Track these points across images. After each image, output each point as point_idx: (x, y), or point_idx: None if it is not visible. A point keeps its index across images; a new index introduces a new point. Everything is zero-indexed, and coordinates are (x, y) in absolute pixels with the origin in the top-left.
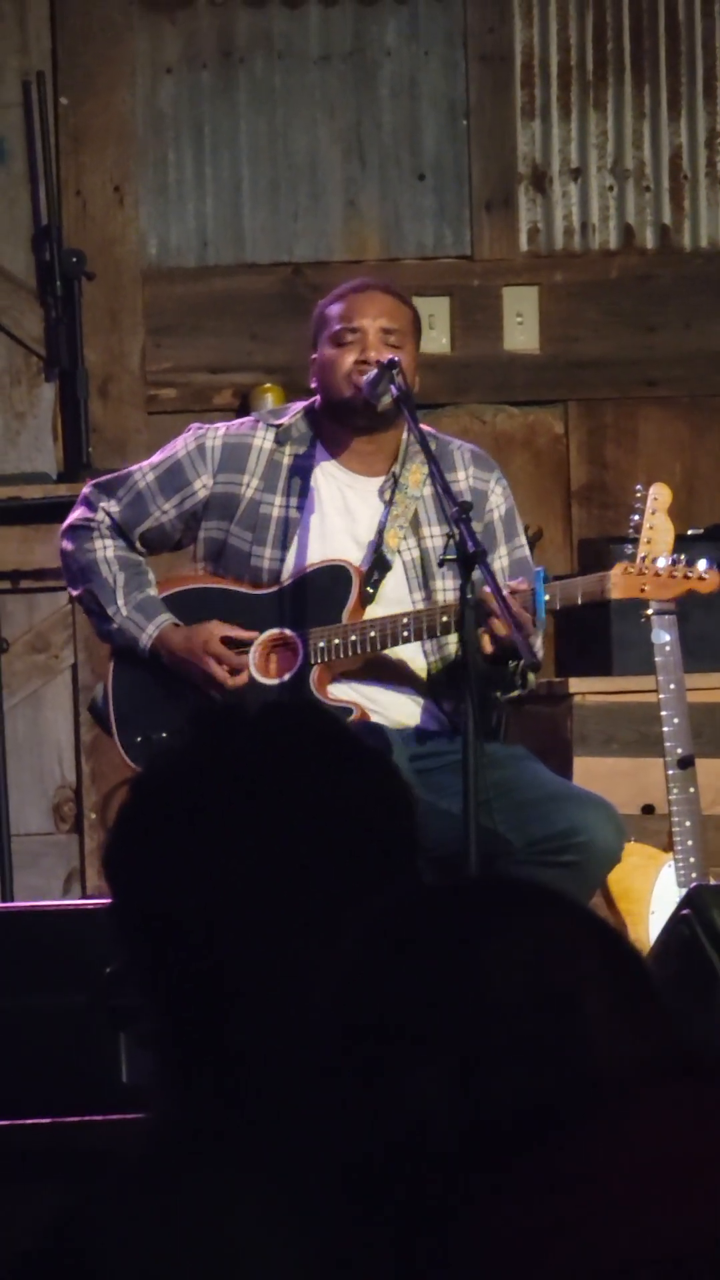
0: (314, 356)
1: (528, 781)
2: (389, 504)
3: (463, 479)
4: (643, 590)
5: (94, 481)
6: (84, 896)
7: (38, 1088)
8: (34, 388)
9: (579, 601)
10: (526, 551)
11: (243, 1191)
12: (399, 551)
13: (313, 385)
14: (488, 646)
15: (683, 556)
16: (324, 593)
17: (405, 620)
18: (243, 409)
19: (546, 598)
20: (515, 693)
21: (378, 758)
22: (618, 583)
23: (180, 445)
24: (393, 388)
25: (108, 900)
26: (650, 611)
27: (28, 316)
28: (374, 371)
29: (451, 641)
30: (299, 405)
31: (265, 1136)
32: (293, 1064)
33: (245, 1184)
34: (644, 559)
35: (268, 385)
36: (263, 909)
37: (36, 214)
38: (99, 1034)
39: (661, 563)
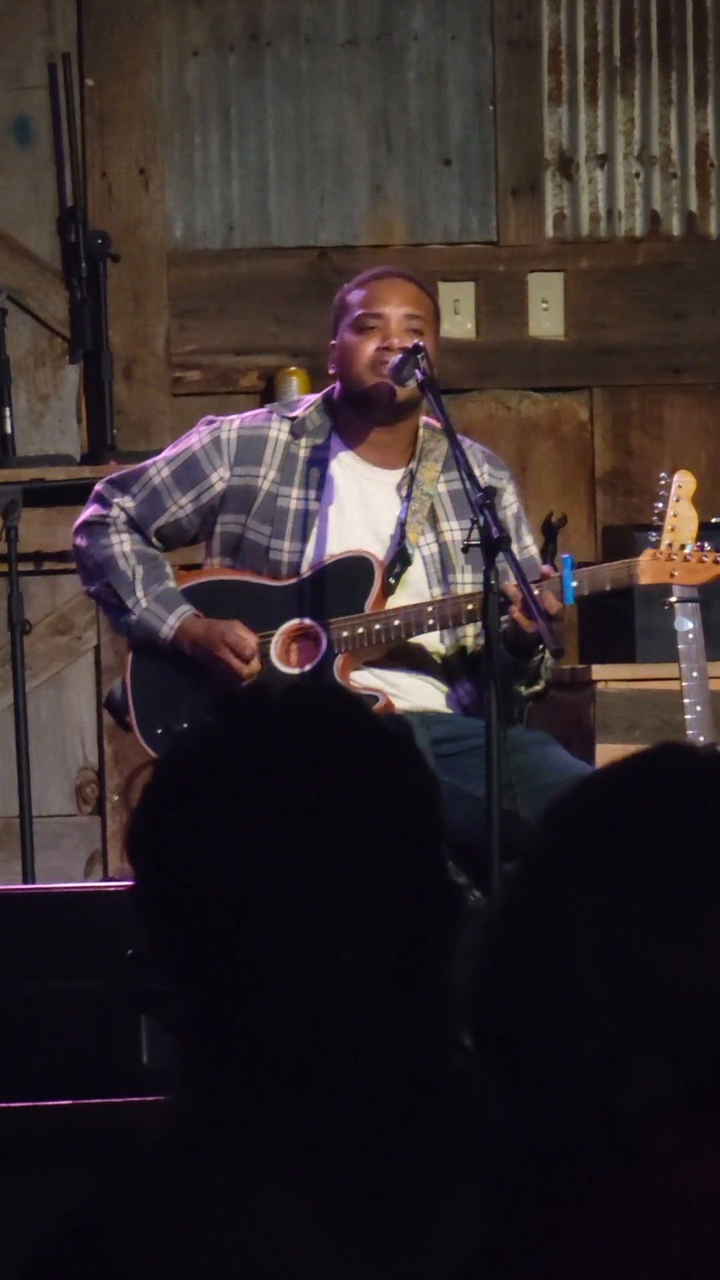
0: (334, 343)
1: (550, 765)
2: (407, 499)
3: (478, 476)
4: (672, 575)
5: (107, 479)
6: (106, 878)
7: (58, 1070)
8: (58, 370)
9: (607, 588)
10: (535, 551)
11: (266, 1174)
12: (419, 546)
13: (332, 372)
14: (521, 619)
15: (705, 545)
16: (346, 583)
17: (430, 609)
18: (268, 392)
19: (575, 584)
20: (539, 686)
21: (402, 743)
22: (646, 569)
23: (195, 439)
24: (417, 372)
25: (130, 882)
26: (674, 599)
27: (52, 298)
28: (398, 356)
29: (469, 629)
30: (313, 397)
31: (287, 1119)
32: (313, 1047)
33: (269, 1167)
34: (670, 545)
35: (292, 368)
36: (285, 893)
37: (62, 196)
38: (120, 1016)
39: (689, 548)
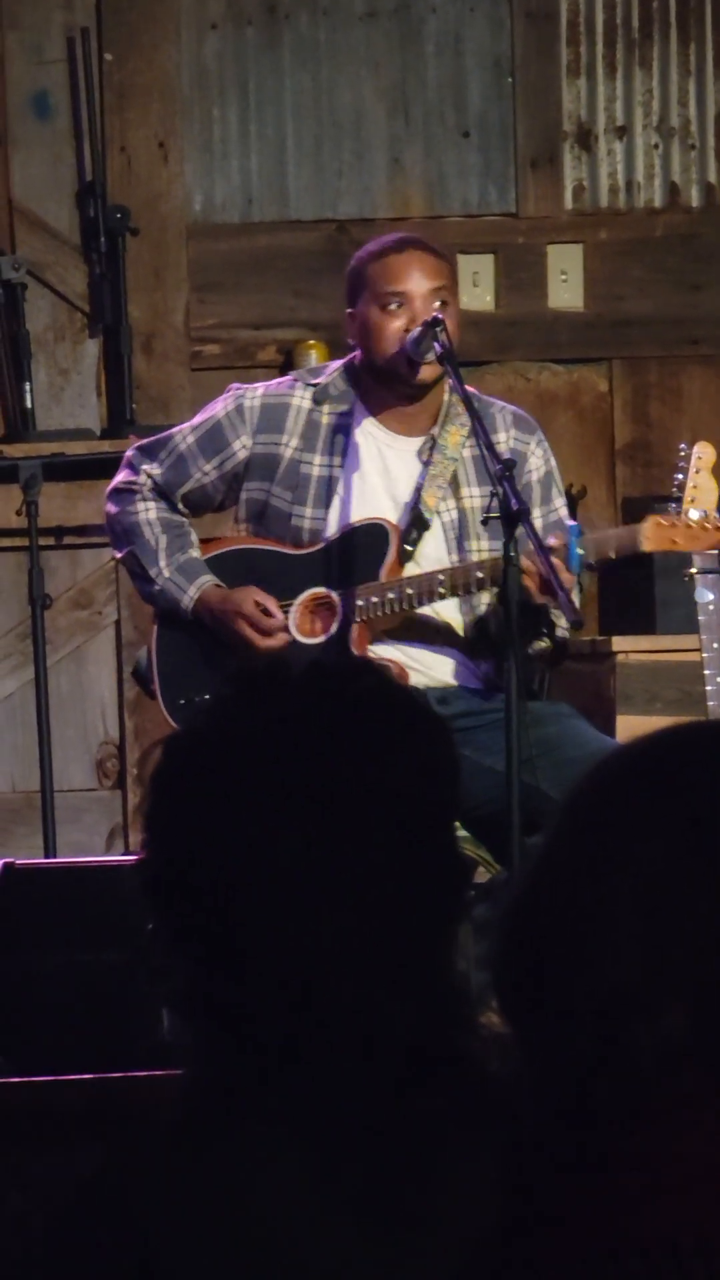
0: (351, 312)
1: (571, 739)
2: (427, 464)
3: (503, 440)
4: (674, 542)
5: (136, 445)
6: (127, 852)
7: (80, 1044)
8: (78, 344)
9: (612, 555)
10: (562, 514)
11: (270, 1149)
12: (438, 512)
13: (351, 342)
14: (537, 596)
15: (712, 511)
16: (362, 551)
17: (441, 577)
18: (287, 365)
19: (581, 552)
20: (543, 644)
21: (424, 723)
22: (649, 535)
23: (219, 406)
24: (436, 345)
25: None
26: (694, 570)
27: (72, 273)
28: (417, 329)
29: (483, 598)
30: (337, 363)
31: (289, 1096)
32: (311, 1026)
33: (273, 1142)
34: (677, 512)
35: (311, 342)
36: (287, 874)
37: (81, 170)
38: (141, 990)
39: (694, 515)
